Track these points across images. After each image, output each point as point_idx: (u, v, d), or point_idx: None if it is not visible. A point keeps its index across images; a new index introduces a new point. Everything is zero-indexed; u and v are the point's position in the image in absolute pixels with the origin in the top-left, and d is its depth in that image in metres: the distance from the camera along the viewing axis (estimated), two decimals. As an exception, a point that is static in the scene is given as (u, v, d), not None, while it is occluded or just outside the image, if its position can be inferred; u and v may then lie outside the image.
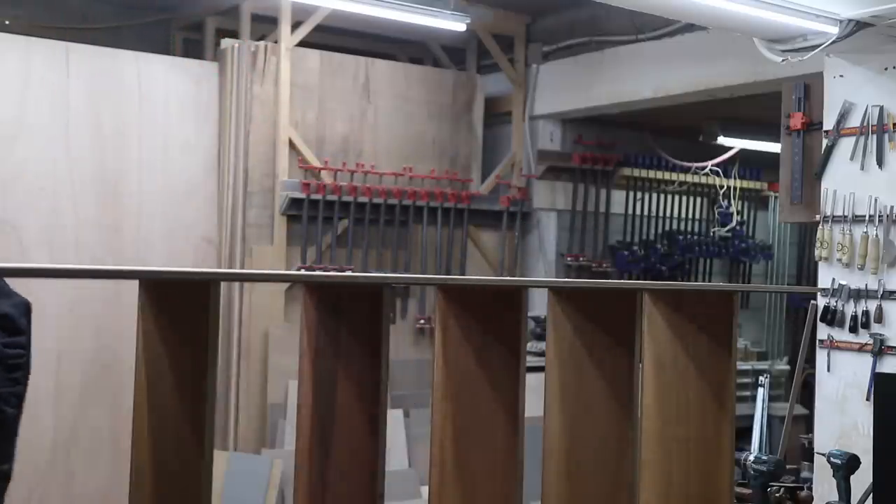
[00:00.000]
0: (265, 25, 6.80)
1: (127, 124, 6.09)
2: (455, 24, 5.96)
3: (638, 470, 2.55)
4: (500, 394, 2.16)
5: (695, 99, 6.56)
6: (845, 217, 4.16)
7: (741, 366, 7.58)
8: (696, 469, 2.65)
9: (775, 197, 8.55)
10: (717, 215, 8.65)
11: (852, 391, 4.13)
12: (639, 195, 8.22)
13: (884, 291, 4.07)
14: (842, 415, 4.15)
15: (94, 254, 5.89)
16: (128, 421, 2.35)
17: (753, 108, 6.64)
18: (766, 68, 4.98)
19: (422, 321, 7.07)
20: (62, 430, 5.81)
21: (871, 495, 3.04)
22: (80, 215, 5.94)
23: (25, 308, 2.55)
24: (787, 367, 8.38)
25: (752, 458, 2.93)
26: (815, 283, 4.40)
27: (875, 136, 4.08)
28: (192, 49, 7.16)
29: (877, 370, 4.02)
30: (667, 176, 8.28)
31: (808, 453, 5.13)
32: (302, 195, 6.57)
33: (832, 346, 4.21)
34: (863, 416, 4.00)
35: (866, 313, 4.11)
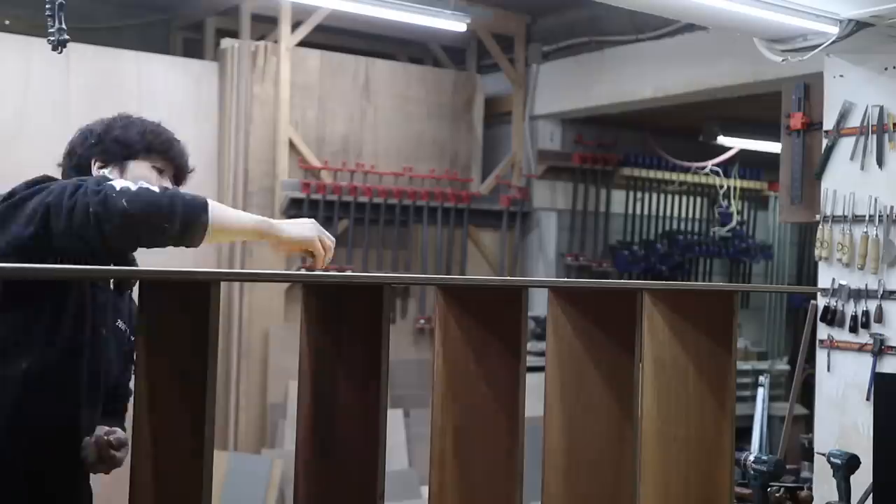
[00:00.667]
0: (265, 25, 6.80)
1: (127, 124, 6.07)
2: (455, 24, 5.96)
3: (638, 470, 2.55)
4: (500, 394, 2.16)
5: (695, 99, 6.56)
6: (845, 217, 4.16)
7: (741, 366, 7.58)
8: (696, 469, 2.65)
9: (775, 197, 8.55)
10: (717, 215, 8.66)
11: (852, 391, 4.13)
12: (639, 195, 8.22)
13: (884, 291, 4.07)
14: (842, 415, 4.15)
15: (94, 254, 5.88)
16: (127, 421, 2.35)
17: (753, 108, 6.64)
18: (766, 68, 4.98)
19: (422, 321, 7.07)
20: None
21: (871, 495, 3.04)
22: (80, 215, 5.93)
23: None
24: (787, 367, 8.38)
25: (752, 458, 2.93)
26: (815, 283, 4.40)
27: (875, 136, 4.07)
28: (192, 49, 7.16)
29: (877, 370, 4.02)
30: (667, 176, 8.28)
31: (808, 453, 5.13)
32: (302, 195, 6.57)
33: (832, 346, 4.20)
34: (863, 416, 4.00)
35: (866, 313, 4.10)
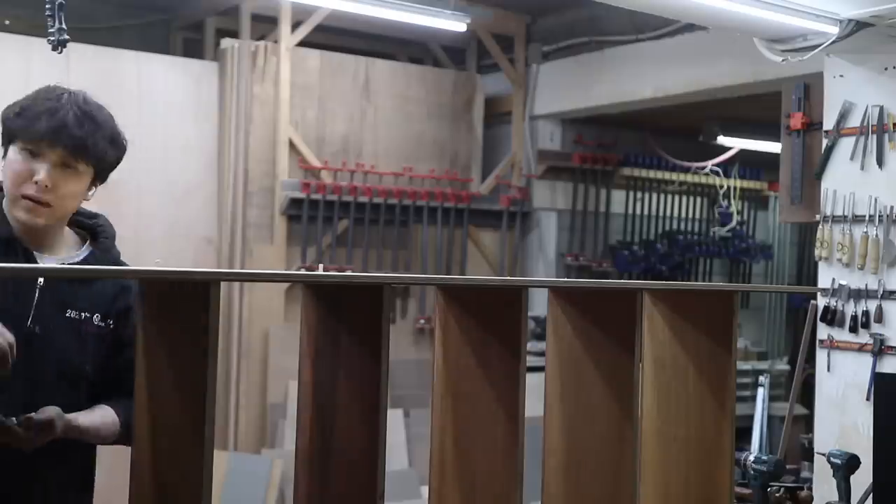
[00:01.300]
0: (265, 25, 6.80)
1: (127, 124, 6.03)
2: (455, 24, 5.96)
3: (638, 470, 2.55)
4: (500, 394, 2.16)
5: (695, 99, 6.56)
6: (845, 217, 4.16)
7: (741, 366, 7.58)
8: (696, 469, 2.65)
9: (775, 197, 8.55)
10: (717, 215, 8.66)
11: (852, 391, 4.13)
12: (639, 195, 8.22)
13: (884, 291, 4.07)
14: (842, 415, 4.15)
15: (94, 254, 5.88)
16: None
17: (753, 108, 6.64)
18: (766, 68, 4.98)
19: (422, 321, 7.07)
20: (62, 430, 5.80)
21: (871, 495, 3.04)
22: (80, 215, 5.93)
23: None
24: (787, 367, 8.38)
25: (752, 458, 2.92)
26: (815, 283, 4.40)
27: (875, 136, 4.07)
28: (192, 49, 7.16)
29: (877, 370, 4.02)
30: (667, 176, 8.28)
31: (808, 453, 5.13)
32: (302, 195, 6.57)
33: (832, 346, 4.20)
34: (863, 416, 4.00)
35: (866, 313, 4.10)
